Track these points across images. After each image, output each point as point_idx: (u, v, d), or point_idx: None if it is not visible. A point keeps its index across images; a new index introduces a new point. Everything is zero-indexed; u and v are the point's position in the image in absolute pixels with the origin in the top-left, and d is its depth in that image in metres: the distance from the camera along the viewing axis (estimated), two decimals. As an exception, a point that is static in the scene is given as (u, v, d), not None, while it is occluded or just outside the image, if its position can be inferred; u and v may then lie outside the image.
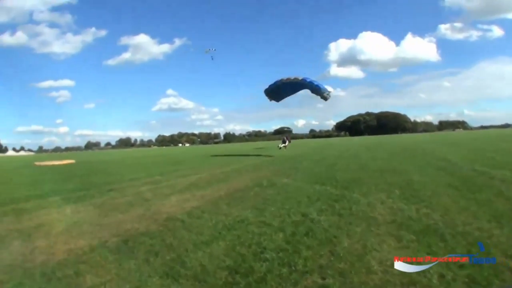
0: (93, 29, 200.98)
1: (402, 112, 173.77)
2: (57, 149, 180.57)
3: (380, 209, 7.36)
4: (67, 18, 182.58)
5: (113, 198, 11.04)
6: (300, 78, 28.30)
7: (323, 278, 4.09)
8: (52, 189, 13.85)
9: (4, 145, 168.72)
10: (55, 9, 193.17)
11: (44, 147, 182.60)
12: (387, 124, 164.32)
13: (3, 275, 4.79)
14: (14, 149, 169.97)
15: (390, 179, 11.26)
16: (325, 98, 28.45)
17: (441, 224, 5.96)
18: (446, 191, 8.84)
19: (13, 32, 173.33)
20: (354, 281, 3.95)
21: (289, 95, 32.81)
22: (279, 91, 31.30)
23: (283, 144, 29.78)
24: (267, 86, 31.51)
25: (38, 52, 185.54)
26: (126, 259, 5.15)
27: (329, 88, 29.21)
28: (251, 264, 4.66)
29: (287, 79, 28.87)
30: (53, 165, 34.84)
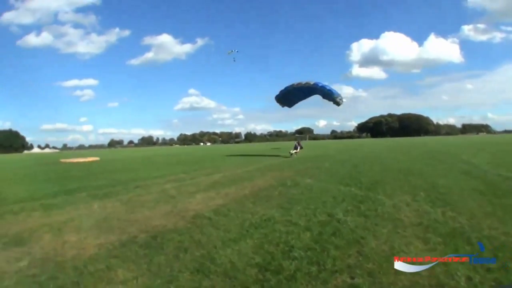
0: (117, 29, 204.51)
1: (424, 114, 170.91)
2: (81, 147, 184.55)
3: (405, 211, 7.40)
4: (91, 18, 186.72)
5: (139, 195, 11.33)
6: (312, 82, 28.03)
7: (352, 278, 4.19)
8: (79, 186, 14.26)
9: (29, 143, 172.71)
10: (80, 10, 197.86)
11: (68, 145, 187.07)
12: (410, 126, 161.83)
13: (36, 268, 5.01)
14: (39, 146, 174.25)
15: (415, 182, 11.21)
16: (338, 103, 28.08)
17: (468, 228, 5.98)
18: (471, 195, 8.79)
19: (38, 33, 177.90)
20: (383, 282, 4.04)
21: (301, 100, 32.38)
22: (290, 96, 31.06)
23: (295, 150, 28.75)
24: (277, 93, 31.24)
25: (63, 52, 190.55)
26: (156, 255, 5.35)
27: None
28: (280, 262, 4.80)
29: (298, 84, 28.66)
30: (78, 162, 35.69)
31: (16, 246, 6.12)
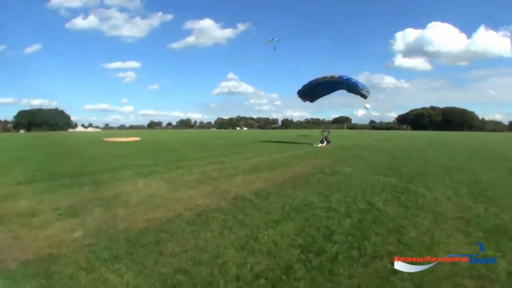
0: (160, 13, 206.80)
1: (469, 109, 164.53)
2: (121, 127, 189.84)
3: (447, 204, 7.38)
4: (136, 3, 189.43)
5: (182, 175, 11.79)
6: (336, 76, 27.18)
7: (392, 264, 4.29)
8: (123, 164, 14.92)
9: (74, 122, 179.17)
10: None
11: (110, 125, 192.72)
12: (453, 120, 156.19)
13: (90, 238, 5.40)
14: (83, 125, 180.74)
15: (456, 177, 11.04)
16: (365, 96, 27.12)
17: (510, 225, 5.94)
18: (516, 193, 8.61)
19: (85, 16, 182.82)
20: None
21: (324, 95, 31.14)
22: (314, 91, 30.19)
23: (321, 144, 27.62)
24: (300, 87, 30.41)
25: (108, 35, 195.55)
26: (202, 231, 5.63)
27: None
28: (322, 245, 4.98)
29: (323, 78, 27.87)
30: (121, 142, 37.02)
31: (70, 217, 6.59)
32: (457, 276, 4.01)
